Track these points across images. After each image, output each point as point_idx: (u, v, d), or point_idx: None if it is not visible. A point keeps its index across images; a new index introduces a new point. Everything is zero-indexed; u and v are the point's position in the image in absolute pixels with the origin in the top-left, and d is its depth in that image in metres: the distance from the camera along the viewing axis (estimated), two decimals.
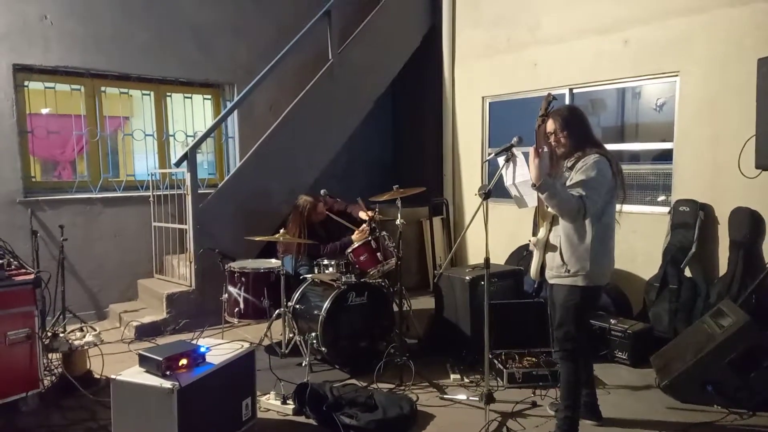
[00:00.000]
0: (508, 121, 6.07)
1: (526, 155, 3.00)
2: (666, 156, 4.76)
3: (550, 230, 2.98)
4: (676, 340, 3.85)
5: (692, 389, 3.40)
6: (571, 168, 2.89)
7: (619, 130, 5.73)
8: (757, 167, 3.62)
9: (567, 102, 5.27)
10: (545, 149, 2.79)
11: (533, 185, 2.75)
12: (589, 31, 5.11)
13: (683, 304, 4.29)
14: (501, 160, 3.02)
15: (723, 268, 4.24)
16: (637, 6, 4.75)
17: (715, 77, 4.30)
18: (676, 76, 4.55)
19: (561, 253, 2.87)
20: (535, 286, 4.87)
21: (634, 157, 5.52)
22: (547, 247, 2.98)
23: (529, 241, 3.11)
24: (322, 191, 4.95)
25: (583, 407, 3.10)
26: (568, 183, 2.83)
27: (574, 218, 2.76)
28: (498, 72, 5.98)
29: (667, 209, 4.61)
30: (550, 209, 2.91)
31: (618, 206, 2.95)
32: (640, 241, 4.70)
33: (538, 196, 2.85)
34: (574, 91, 5.33)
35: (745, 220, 4.07)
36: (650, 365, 3.78)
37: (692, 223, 4.33)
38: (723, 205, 4.27)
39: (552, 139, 2.95)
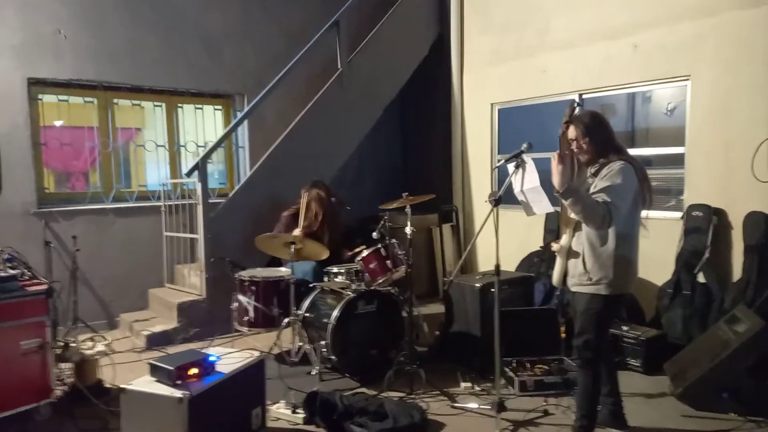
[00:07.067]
0: (517, 128, 6.06)
1: (536, 161, 2.99)
2: (678, 161, 4.72)
3: (573, 237, 2.94)
4: (690, 346, 3.80)
5: (708, 397, 3.34)
6: (594, 174, 2.86)
7: (629, 135, 5.69)
8: None
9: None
10: (567, 153, 2.76)
11: (556, 192, 2.72)
12: (598, 36, 5.09)
13: (697, 310, 4.22)
14: (511, 166, 3.01)
15: (737, 273, 4.18)
16: (646, 10, 4.72)
17: (727, 80, 4.25)
18: (687, 79, 4.51)
19: (584, 261, 2.84)
20: (545, 293, 4.83)
21: (646, 162, 5.43)
22: (570, 253, 2.95)
23: (552, 246, 3.09)
24: (332, 199, 4.97)
25: (609, 415, 3.06)
26: (592, 190, 2.79)
27: (599, 225, 2.71)
28: (507, 78, 5.98)
29: (679, 214, 4.56)
30: (573, 215, 2.86)
31: (644, 213, 2.92)
32: (652, 246, 4.62)
33: (561, 203, 2.81)
34: (584, 96, 5.29)
35: (760, 224, 4.01)
36: (664, 372, 3.73)
37: (705, 227, 4.28)
38: (737, 210, 4.21)
39: (574, 146, 2.90)
